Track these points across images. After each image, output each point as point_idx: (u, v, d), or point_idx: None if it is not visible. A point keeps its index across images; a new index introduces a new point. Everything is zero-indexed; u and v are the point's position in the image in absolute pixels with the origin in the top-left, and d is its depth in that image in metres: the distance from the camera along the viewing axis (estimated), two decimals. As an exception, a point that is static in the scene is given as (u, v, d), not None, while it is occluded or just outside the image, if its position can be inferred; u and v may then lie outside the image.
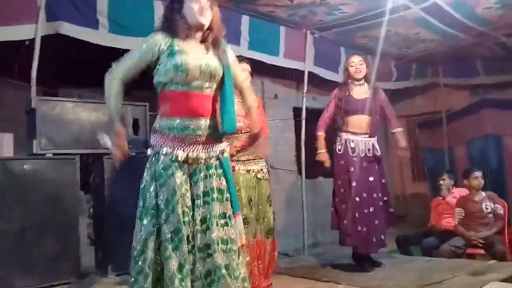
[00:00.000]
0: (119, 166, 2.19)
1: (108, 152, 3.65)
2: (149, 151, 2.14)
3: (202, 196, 2.08)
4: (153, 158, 2.10)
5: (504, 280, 3.02)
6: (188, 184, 2.07)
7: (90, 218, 5.73)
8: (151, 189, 2.05)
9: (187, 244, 2.01)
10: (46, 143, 3.43)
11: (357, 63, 3.82)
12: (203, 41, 2.17)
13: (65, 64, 5.84)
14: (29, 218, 3.30)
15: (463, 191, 4.90)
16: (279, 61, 5.46)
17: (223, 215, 2.09)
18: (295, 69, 5.72)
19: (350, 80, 3.87)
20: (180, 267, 1.97)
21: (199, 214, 2.06)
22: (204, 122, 2.09)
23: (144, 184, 2.10)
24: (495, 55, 6.46)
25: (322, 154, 3.76)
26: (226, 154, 2.20)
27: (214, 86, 2.15)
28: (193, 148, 2.08)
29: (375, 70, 4.53)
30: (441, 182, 5.08)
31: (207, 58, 2.13)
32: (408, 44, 6.07)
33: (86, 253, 3.81)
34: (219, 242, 2.04)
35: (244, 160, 3.02)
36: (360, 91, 3.82)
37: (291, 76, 6.11)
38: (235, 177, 2.74)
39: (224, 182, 2.14)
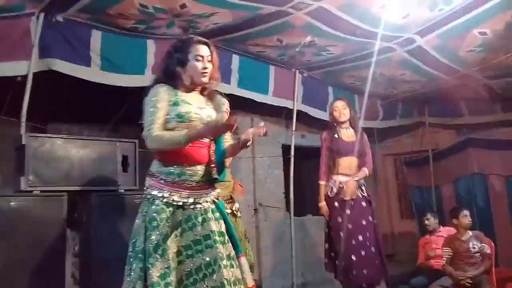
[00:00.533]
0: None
1: (96, 190, 3.65)
2: (145, 195, 2.16)
3: (202, 241, 2.08)
4: (147, 201, 2.12)
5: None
6: (179, 231, 2.09)
7: (75, 257, 5.63)
8: (142, 232, 2.07)
9: None
10: (34, 179, 3.39)
11: (340, 108, 4.01)
12: (202, 91, 2.31)
13: (55, 100, 5.87)
14: (14, 256, 3.21)
15: (451, 230, 4.93)
16: (268, 99, 5.55)
17: (228, 257, 2.11)
18: (284, 107, 5.82)
19: (335, 124, 4.02)
20: None
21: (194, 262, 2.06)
22: (201, 169, 2.15)
23: (134, 227, 2.14)
24: (478, 96, 6.64)
25: (323, 207, 3.86)
26: (220, 199, 2.26)
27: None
28: (189, 193, 2.12)
29: (363, 109, 4.66)
30: (426, 222, 5.12)
31: (207, 109, 2.26)
32: (394, 85, 6.22)
33: (70, 292, 3.72)
34: (231, 284, 2.03)
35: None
36: (348, 134, 3.96)
37: (280, 114, 6.20)
38: None
39: (223, 225, 2.19)
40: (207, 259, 2.04)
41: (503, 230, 6.08)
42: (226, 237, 2.16)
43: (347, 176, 3.82)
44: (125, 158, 3.87)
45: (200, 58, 2.21)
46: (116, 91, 4.73)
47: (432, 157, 7.36)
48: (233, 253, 2.15)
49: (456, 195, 6.79)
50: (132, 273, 2.06)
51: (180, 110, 2.14)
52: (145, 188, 2.18)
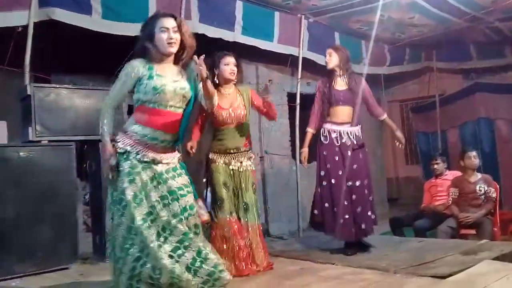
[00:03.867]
0: (110, 177, 2.38)
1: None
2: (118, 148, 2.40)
3: (174, 192, 2.38)
4: (121, 155, 2.36)
5: (496, 258, 3.09)
6: (154, 183, 2.38)
7: (86, 205, 5.77)
8: (118, 184, 2.34)
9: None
10: (42, 130, 3.43)
11: (327, 56, 3.87)
12: (176, 63, 2.51)
13: (57, 50, 5.81)
14: (26, 205, 3.32)
15: (457, 174, 4.98)
16: (273, 46, 5.45)
17: (184, 208, 2.39)
18: (289, 54, 5.72)
19: (331, 72, 3.87)
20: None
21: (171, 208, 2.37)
22: (171, 137, 2.45)
23: (109, 178, 2.39)
24: (488, 40, 6.49)
25: (304, 152, 3.87)
26: (181, 160, 2.56)
27: (184, 106, 2.50)
28: (159, 154, 2.41)
29: (368, 55, 4.55)
30: (435, 165, 5.14)
31: (180, 81, 2.47)
32: (402, 29, 6.08)
33: (82, 240, 3.85)
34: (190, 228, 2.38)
35: (223, 154, 3.38)
36: (342, 82, 3.83)
37: (285, 61, 6.11)
38: (215, 168, 3.32)
39: (187, 179, 2.49)
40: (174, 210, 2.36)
41: (508, 174, 6.13)
42: (186, 189, 2.43)
43: (341, 125, 3.78)
44: (130, 107, 3.86)
45: (165, 29, 2.39)
46: (119, 40, 4.67)
47: (439, 102, 7.31)
48: (191, 201, 2.42)
49: (462, 140, 6.80)
50: (115, 218, 2.36)
51: (155, 84, 2.37)
52: (117, 141, 2.40)
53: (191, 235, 2.34)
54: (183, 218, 2.35)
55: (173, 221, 2.32)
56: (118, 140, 2.40)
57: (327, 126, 3.79)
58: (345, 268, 3.19)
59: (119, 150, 2.37)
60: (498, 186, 4.70)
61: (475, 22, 5.70)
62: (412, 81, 8.04)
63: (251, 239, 3.29)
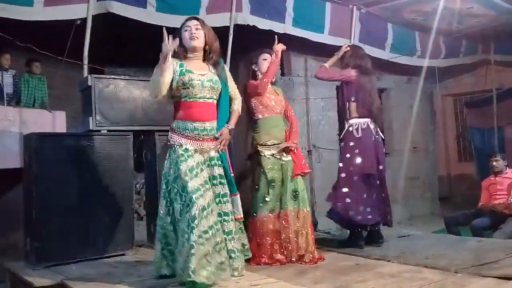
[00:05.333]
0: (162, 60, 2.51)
1: (159, 129, 3.76)
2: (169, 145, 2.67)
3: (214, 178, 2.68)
4: (171, 150, 2.65)
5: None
6: (204, 165, 2.65)
7: (137, 194, 5.92)
8: (171, 173, 2.61)
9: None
10: (101, 119, 3.52)
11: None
12: (204, 60, 2.76)
13: (112, 44, 5.97)
14: (86, 193, 3.42)
15: (518, 172, 4.77)
16: (324, 38, 5.39)
17: (219, 195, 2.68)
18: (340, 46, 5.62)
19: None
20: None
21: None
22: (209, 125, 2.69)
23: (165, 170, 2.67)
24: (552, 30, 6.14)
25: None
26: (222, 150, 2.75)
27: (215, 97, 2.74)
28: (200, 144, 2.66)
29: (429, 47, 4.46)
30: (494, 163, 4.93)
31: (208, 74, 2.71)
32: (459, 19, 5.85)
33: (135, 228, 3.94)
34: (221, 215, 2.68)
35: (269, 145, 3.30)
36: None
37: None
38: (260, 160, 3.27)
39: (222, 170, 2.72)
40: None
41: None
42: (219, 179, 2.69)
43: (362, 118, 3.71)
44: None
45: (188, 28, 2.69)
46: (172, 33, 4.73)
47: (496, 97, 6.99)
48: (227, 191, 2.71)
49: (521, 137, 6.50)
50: (162, 212, 2.68)
51: (184, 79, 2.62)
52: (167, 140, 2.69)
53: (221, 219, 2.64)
54: (217, 203, 2.64)
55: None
56: (168, 139, 2.70)
57: (352, 120, 3.73)
58: (402, 266, 3.08)
59: (170, 147, 2.66)
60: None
61: (539, 12, 5.40)
62: (467, 74, 7.76)
63: (301, 227, 3.25)
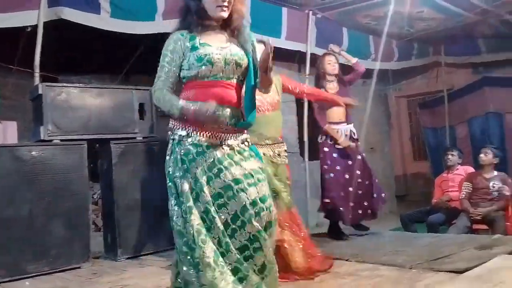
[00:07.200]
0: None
1: (114, 138, 3.69)
2: (172, 135, 2.03)
3: (239, 181, 1.91)
4: (174, 143, 1.99)
5: (511, 253, 3.06)
6: (214, 171, 1.93)
7: (95, 204, 5.77)
8: (177, 174, 1.95)
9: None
10: (53, 129, 3.42)
11: (333, 62, 4.20)
12: (223, 27, 2.04)
13: (65, 51, 5.81)
14: (39, 204, 3.31)
15: (468, 169, 4.96)
16: (281, 42, 5.43)
17: (259, 200, 1.93)
18: (297, 50, 5.70)
19: (324, 77, 4.18)
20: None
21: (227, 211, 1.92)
22: (230, 112, 1.98)
23: (169, 170, 1.99)
24: (497, 33, 6.44)
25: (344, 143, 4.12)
26: (250, 143, 2.09)
27: (241, 76, 2.04)
28: (216, 134, 1.97)
29: (380, 50, 4.69)
30: (449, 156, 5.12)
31: (230, 47, 2.01)
32: (410, 23, 6.04)
33: (91, 239, 3.84)
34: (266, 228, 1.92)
35: (262, 145, 3.04)
36: (331, 86, 4.17)
37: (293, 58, 6.09)
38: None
39: (254, 164, 2.01)
40: (235, 209, 1.90)
41: (517, 169, 6.08)
42: (259, 175, 1.96)
43: (337, 124, 4.13)
44: (141, 106, 3.87)
45: None
46: (127, 39, 4.66)
47: (447, 97, 7.27)
48: (264, 191, 1.94)
49: (471, 135, 6.76)
50: (175, 217, 1.96)
51: (199, 53, 1.94)
52: (169, 129, 2.03)
53: (261, 238, 1.89)
54: (253, 214, 1.87)
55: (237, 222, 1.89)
56: (170, 128, 2.03)
57: (326, 126, 4.11)
58: (360, 265, 3.15)
59: (171, 136, 2.00)
60: (510, 181, 4.68)
61: (484, 16, 5.65)
62: (420, 76, 8.02)
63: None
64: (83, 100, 3.60)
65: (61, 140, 3.46)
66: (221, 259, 1.86)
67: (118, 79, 6.20)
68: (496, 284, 2.39)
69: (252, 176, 1.93)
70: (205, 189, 1.90)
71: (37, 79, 4.03)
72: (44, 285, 3.04)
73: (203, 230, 1.87)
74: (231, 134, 2.00)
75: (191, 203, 1.89)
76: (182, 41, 2.00)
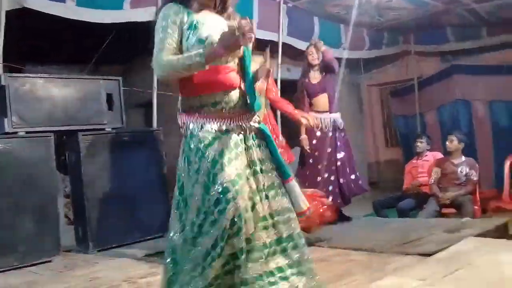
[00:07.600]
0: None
1: (82, 129, 3.61)
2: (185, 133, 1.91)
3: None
4: (187, 138, 1.88)
5: (479, 235, 3.15)
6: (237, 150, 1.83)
7: (66, 197, 5.66)
8: (187, 172, 1.85)
9: None
10: (18, 121, 3.32)
11: (313, 53, 4.38)
12: (215, 7, 1.94)
13: (31, 41, 5.64)
14: (5, 199, 3.22)
15: (437, 155, 5.07)
16: (253, 31, 5.39)
17: (265, 188, 1.87)
18: (269, 39, 5.67)
19: (307, 67, 4.41)
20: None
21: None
22: (236, 95, 1.90)
23: (180, 171, 1.90)
24: (464, 22, 6.56)
25: (304, 140, 4.34)
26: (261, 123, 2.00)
27: (236, 60, 1.94)
28: (227, 121, 1.87)
29: (348, 39, 4.84)
30: (418, 143, 5.23)
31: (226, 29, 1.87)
32: (380, 12, 6.09)
33: (65, 233, 3.79)
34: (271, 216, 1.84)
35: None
36: (315, 76, 4.39)
37: (264, 47, 6.05)
38: None
39: (264, 152, 1.93)
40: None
41: (484, 154, 6.25)
42: (268, 164, 1.90)
43: (319, 113, 4.31)
44: (109, 96, 3.80)
45: None
46: (95, 29, 4.55)
47: (417, 85, 7.39)
48: (277, 181, 1.89)
49: (440, 122, 6.90)
50: (180, 222, 1.83)
51: (201, 34, 1.83)
52: (180, 127, 1.92)
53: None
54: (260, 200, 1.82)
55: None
56: (180, 126, 1.92)
57: (312, 114, 4.28)
58: (332, 250, 3.20)
59: (185, 135, 1.88)
60: (477, 166, 4.81)
61: (452, 5, 5.75)
62: (390, 65, 8.11)
63: None
64: (49, 91, 3.50)
65: (27, 132, 3.36)
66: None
67: (87, 69, 6.06)
68: (463, 265, 2.44)
69: (262, 163, 1.88)
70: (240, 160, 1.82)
71: (0, 70, 3.91)
72: (14, 280, 2.98)
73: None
74: (244, 116, 1.91)
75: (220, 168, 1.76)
76: (182, 15, 1.86)
